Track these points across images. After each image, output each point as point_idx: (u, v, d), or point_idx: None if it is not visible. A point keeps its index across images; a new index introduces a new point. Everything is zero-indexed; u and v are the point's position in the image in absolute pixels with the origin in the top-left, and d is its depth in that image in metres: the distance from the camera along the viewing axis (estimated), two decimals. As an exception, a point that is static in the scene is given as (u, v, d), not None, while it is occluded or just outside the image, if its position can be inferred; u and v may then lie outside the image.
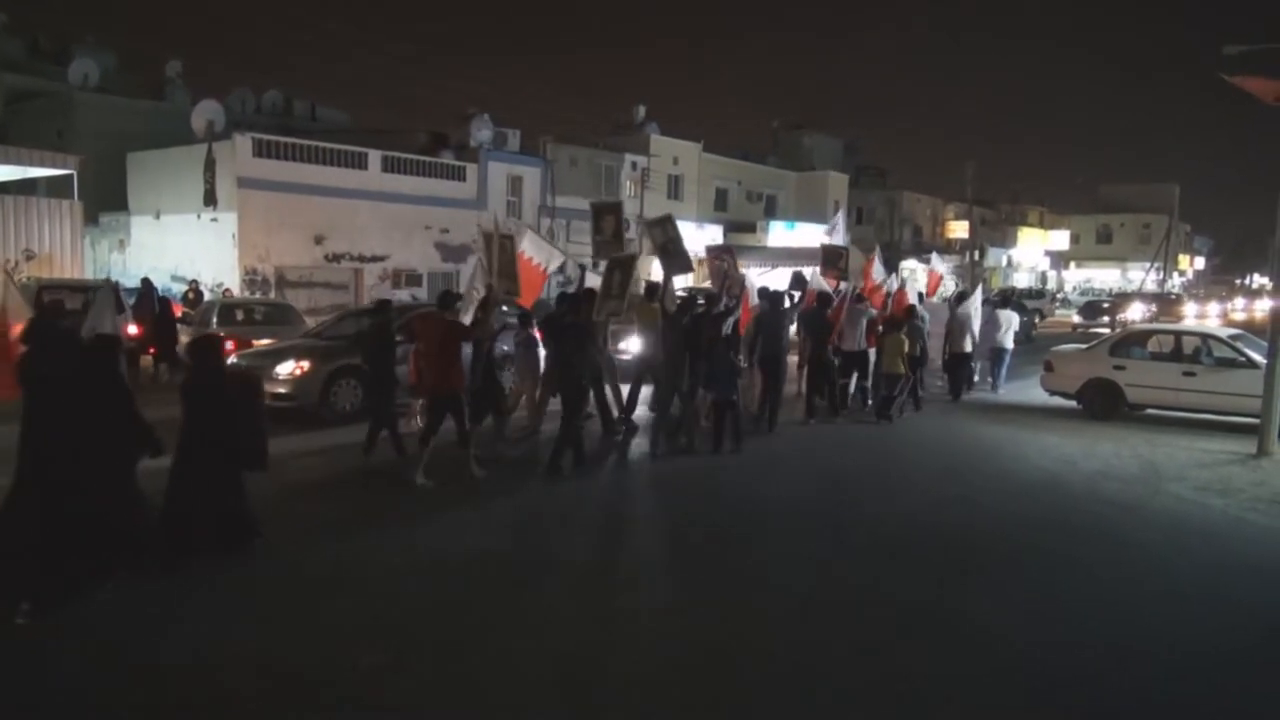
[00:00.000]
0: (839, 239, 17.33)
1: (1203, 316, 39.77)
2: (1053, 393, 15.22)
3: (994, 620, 6.15)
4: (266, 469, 7.07)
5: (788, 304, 13.42)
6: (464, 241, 29.85)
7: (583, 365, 10.26)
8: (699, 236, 34.23)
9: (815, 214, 44.39)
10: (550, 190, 32.67)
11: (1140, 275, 62.39)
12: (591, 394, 11.38)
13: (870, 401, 14.68)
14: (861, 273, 16.02)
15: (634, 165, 36.17)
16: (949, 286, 21.64)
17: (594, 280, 12.01)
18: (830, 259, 16.25)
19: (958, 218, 55.88)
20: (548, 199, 32.60)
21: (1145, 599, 6.64)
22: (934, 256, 20.67)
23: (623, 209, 13.17)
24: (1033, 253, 67.52)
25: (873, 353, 14.60)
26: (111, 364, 6.46)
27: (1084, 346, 15.84)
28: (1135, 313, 36.92)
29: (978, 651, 5.67)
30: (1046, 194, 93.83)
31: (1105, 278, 70.87)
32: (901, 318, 14.63)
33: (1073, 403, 14.79)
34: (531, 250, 11.75)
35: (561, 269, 12.19)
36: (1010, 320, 17.73)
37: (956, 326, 16.42)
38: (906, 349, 14.01)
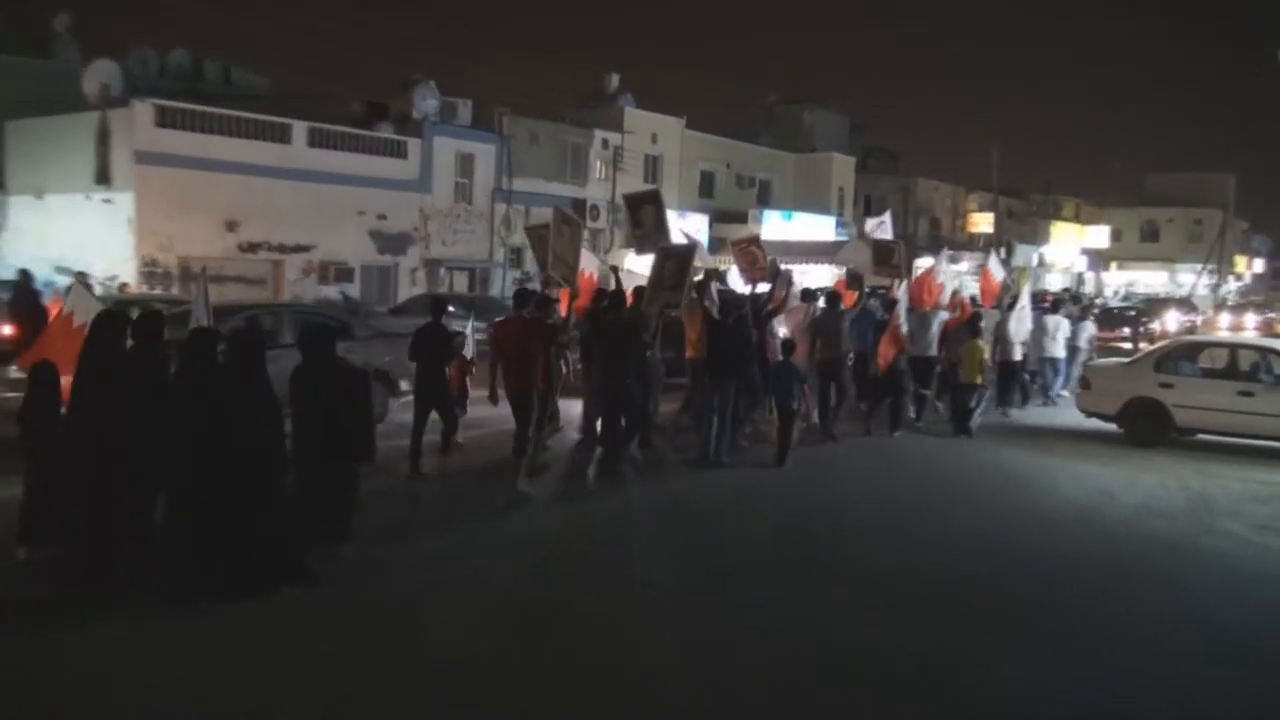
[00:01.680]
0: (887, 234, 18.34)
1: (1237, 328, 38.70)
2: (1089, 413, 15.37)
3: (1011, 676, 6.17)
4: (374, 461, 8.18)
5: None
6: (404, 229, 29.83)
7: (628, 365, 11.40)
8: (681, 227, 34.22)
9: (816, 202, 44.65)
10: (507, 171, 32.72)
11: (1191, 278, 63.21)
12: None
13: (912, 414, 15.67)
14: (912, 275, 16.97)
15: (605, 143, 36.30)
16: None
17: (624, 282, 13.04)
18: (882, 255, 17.00)
19: (981, 209, 56.42)
20: (504, 181, 32.64)
21: (1189, 654, 6.70)
22: (991, 258, 20.95)
23: (661, 197, 14.27)
24: (1068, 251, 68.22)
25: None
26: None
27: (1125, 360, 16.03)
28: (1170, 323, 35.77)
29: (991, 711, 5.70)
30: (1083, 184, 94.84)
31: (1151, 281, 71.67)
32: (976, 323, 15.50)
33: (1112, 425, 14.95)
34: (584, 263, 13.04)
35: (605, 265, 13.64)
36: (1059, 326, 18.54)
37: (1008, 332, 17.21)
38: (986, 356, 15.12)
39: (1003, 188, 51.01)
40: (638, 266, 14.69)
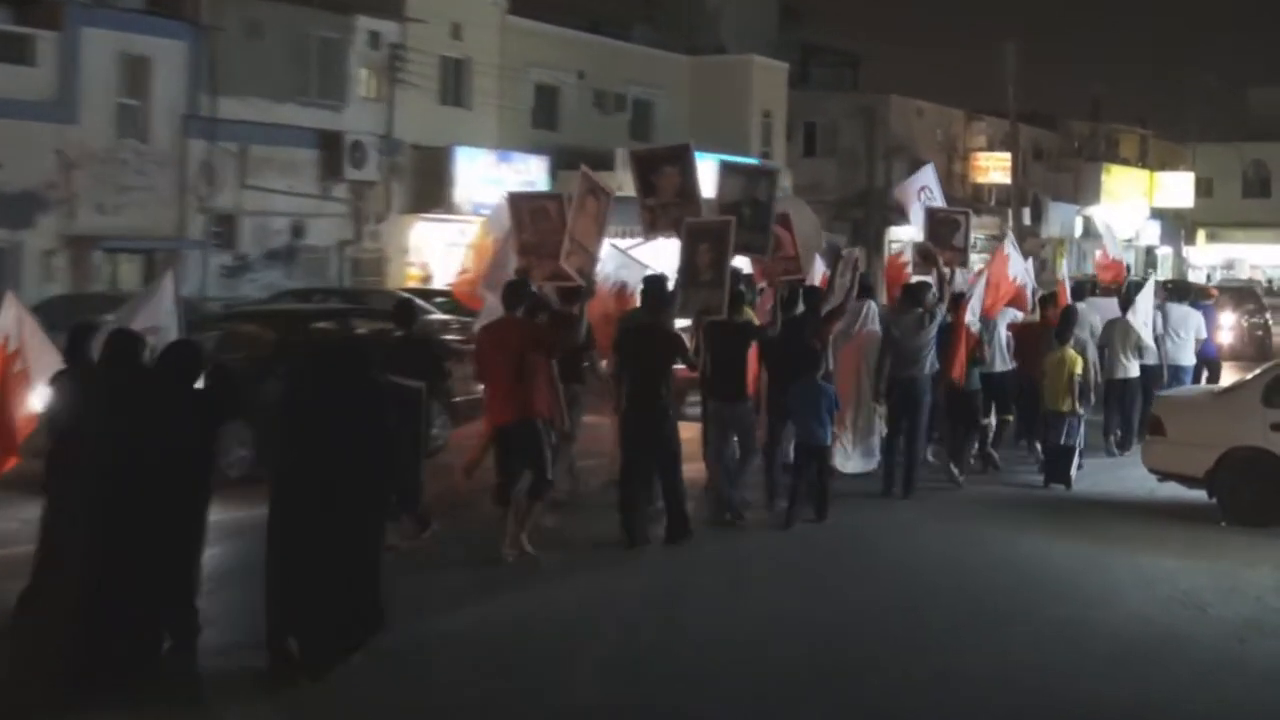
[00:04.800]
0: (937, 201, 19.69)
1: None
2: (1164, 475, 15.63)
3: None
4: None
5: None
6: (30, 185, 29.35)
7: (668, 393, 13.20)
8: (505, 176, 34.21)
9: (725, 134, 44.76)
10: (208, 86, 32.61)
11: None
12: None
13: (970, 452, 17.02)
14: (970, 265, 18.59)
15: (375, 40, 36.49)
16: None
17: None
18: (943, 232, 18.50)
19: (992, 146, 57.61)
20: (203, 103, 32.40)
21: None
22: (1105, 229, 21.88)
23: (692, 155, 16.20)
24: (1130, 213, 69.53)
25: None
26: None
27: (1216, 389, 16.42)
28: (1225, 330, 36.39)
29: None
30: (1152, 107, 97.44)
31: (1262, 258, 73.70)
32: (1066, 324, 16.70)
33: (1200, 492, 15.15)
34: (624, 272, 15.61)
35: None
36: (1186, 321, 19.68)
37: (1118, 337, 18.33)
38: (1079, 371, 16.47)
39: (1026, 113, 52.13)
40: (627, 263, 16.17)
